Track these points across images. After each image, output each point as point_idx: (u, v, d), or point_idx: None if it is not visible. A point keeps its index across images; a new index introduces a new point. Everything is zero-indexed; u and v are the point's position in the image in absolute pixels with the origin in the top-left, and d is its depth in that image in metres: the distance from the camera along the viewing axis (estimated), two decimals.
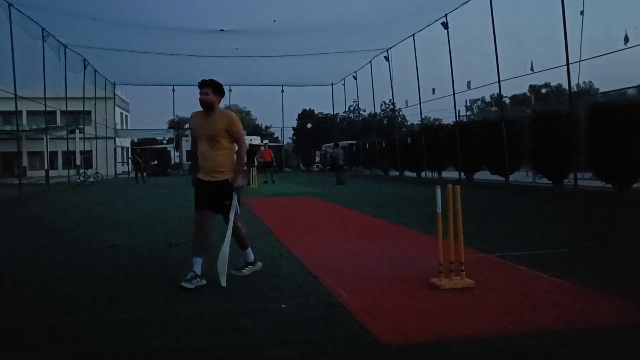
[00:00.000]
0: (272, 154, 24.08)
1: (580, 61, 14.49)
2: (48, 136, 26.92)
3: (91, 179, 28.99)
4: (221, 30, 20.88)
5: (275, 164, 26.42)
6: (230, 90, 36.06)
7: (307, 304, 3.72)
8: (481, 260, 5.03)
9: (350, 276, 4.50)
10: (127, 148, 46.99)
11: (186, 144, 45.10)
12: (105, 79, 31.66)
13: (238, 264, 4.78)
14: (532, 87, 53.66)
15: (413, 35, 22.97)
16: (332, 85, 36.81)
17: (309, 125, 47.12)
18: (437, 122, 32.31)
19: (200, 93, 4.32)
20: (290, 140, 56.33)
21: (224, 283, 4.20)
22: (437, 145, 22.39)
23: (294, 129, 51.41)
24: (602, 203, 10.91)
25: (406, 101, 27.12)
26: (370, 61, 28.97)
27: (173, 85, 35.18)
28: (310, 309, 3.59)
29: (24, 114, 39.27)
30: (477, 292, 3.90)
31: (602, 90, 20.33)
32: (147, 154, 35.15)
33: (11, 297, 4.13)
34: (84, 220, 9.36)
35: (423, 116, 25.66)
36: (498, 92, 18.37)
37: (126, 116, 52.66)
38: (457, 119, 21.91)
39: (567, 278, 4.25)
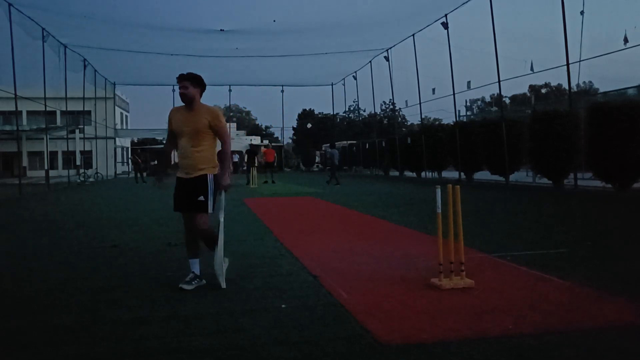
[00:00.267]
0: (274, 154, 24.11)
1: (580, 61, 14.51)
2: (48, 136, 26.92)
3: (91, 179, 29.00)
4: (221, 30, 20.88)
5: (276, 164, 26.46)
6: (230, 90, 36.13)
7: (307, 304, 3.72)
8: (481, 260, 5.03)
9: (350, 276, 4.50)
10: (127, 148, 47.00)
11: None
12: (105, 79, 31.65)
13: (233, 265, 4.78)
14: (532, 87, 53.71)
15: (413, 35, 22.97)
16: (332, 85, 36.81)
17: (309, 125, 47.12)
18: (437, 122, 32.34)
19: (180, 87, 4.19)
20: (290, 140, 56.37)
21: (223, 284, 4.20)
22: (437, 145, 22.40)
23: (294, 129, 51.45)
24: (602, 203, 10.91)
25: (406, 101, 27.16)
26: (370, 61, 28.98)
27: (173, 86, 35.05)
28: (310, 309, 3.59)
29: (24, 114, 39.29)
30: (477, 292, 3.90)
31: (602, 90, 20.38)
32: (146, 154, 35.15)
33: (11, 297, 4.13)
34: (84, 220, 9.36)
35: (423, 116, 25.68)
36: (498, 92, 18.38)
37: (126, 116, 52.68)
38: (457, 119, 21.92)
39: (567, 278, 4.25)
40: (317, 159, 44.57)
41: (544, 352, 2.75)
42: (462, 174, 20.37)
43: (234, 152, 26.83)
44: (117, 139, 39.29)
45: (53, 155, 38.92)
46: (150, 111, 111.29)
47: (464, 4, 18.37)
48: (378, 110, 39.24)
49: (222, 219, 4.31)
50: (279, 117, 63.51)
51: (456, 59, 20.32)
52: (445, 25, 19.89)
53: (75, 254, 5.89)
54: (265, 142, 51.83)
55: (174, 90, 35.62)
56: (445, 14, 19.58)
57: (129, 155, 38.83)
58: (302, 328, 3.19)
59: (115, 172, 36.25)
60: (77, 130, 33.92)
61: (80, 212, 11.05)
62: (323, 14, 19.31)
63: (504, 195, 13.41)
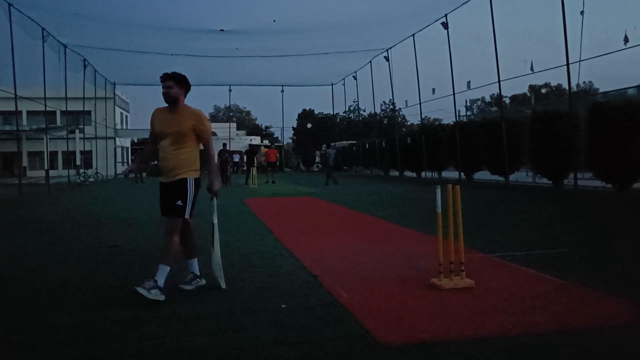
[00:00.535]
0: (277, 154, 24.15)
1: (580, 61, 14.51)
2: (48, 136, 26.93)
3: (91, 179, 28.99)
4: (221, 30, 20.87)
5: (278, 164, 26.50)
6: (230, 90, 36.11)
7: (307, 304, 3.72)
8: (481, 260, 5.03)
9: (350, 276, 4.50)
10: (127, 148, 47.01)
11: None
12: (105, 79, 31.64)
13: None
14: (532, 87, 53.74)
15: (413, 35, 22.97)
16: (332, 85, 36.80)
17: (309, 125, 47.12)
18: (437, 122, 32.36)
19: (163, 87, 4.03)
20: (290, 140, 56.38)
21: (223, 285, 4.19)
22: (437, 145, 22.40)
23: (294, 129, 51.45)
24: (602, 203, 10.91)
25: (406, 101, 27.18)
26: (370, 61, 28.97)
27: None
28: (310, 309, 3.59)
29: (24, 114, 39.30)
30: (477, 292, 3.90)
31: (602, 90, 20.39)
32: None
33: (11, 297, 4.13)
34: (84, 220, 9.36)
35: (423, 116, 25.68)
36: (498, 92, 18.39)
37: (126, 116, 52.68)
38: (457, 119, 21.92)
39: (567, 278, 4.25)
40: (317, 159, 44.60)
41: (544, 352, 2.75)
42: (462, 174, 20.37)
43: (234, 152, 26.88)
44: (117, 139, 39.30)
45: (53, 155, 38.93)
46: (150, 111, 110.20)
47: (464, 4, 18.36)
48: (378, 110, 39.30)
49: (215, 222, 4.27)
50: (279, 117, 63.65)
51: (456, 59, 20.35)
52: (445, 25, 19.88)
53: (75, 254, 5.89)
54: (266, 142, 51.90)
55: None
56: (445, 14, 19.58)
57: (132, 156, 38.80)
58: (302, 328, 3.19)
59: (115, 172, 36.24)
60: (77, 130, 33.93)
61: (80, 212, 11.05)
62: (323, 14, 19.31)
63: (504, 195, 13.40)
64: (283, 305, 3.67)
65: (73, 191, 19.46)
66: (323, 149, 42.53)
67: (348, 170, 36.98)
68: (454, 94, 20.71)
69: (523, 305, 3.55)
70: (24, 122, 38.13)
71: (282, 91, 37.34)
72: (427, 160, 23.40)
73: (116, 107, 41.54)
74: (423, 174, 25.05)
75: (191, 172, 4.06)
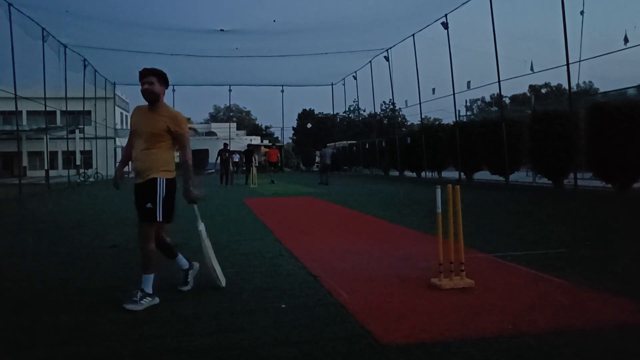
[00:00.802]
0: (278, 154, 24.21)
1: (580, 61, 14.50)
2: (48, 136, 26.94)
3: (91, 179, 29.00)
4: (221, 30, 20.88)
5: (280, 164, 26.56)
6: (230, 90, 36.10)
7: (307, 304, 3.72)
8: (481, 260, 5.03)
9: (350, 276, 4.50)
10: None
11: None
12: (105, 79, 31.64)
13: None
14: (532, 87, 53.73)
15: (413, 35, 22.97)
16: (332, 85, 36.80)
17: (309, 125, 47.13)
18: (437, 122, 32.35)
19: (144, 83, 3.81)
20: (290, 140, 56.38)
21: (223, 283, 4.18)
22: (437, 145, 22.40)
23: (294, 129, 51.44)
24: (602, 203, 10.91)
25: (406, 101, 27.17)
26: (370, 61, 28.98)
27: (173, 86, 35.11)
28: (310, 309, 3.59)
29: (24, 114, 39.29)
30: (477, 292, 3.90)
31: (602, 90, 20.38)
32: None
33: (11, 297, 4.13)
34: (84, 220, 9.36)
35: (423, 116, 25.68)
36: (498, 92, 18.38)
37: (126, 116, 52.64)
38: (457, 119, 21.92)
39: (567, 278, 4.25)
40: (317, 159, 44.61)
41: (544, 352, 2.75)
42: (462, 174, 20.37)
43: (234, 151, 26.86)
44: (117, 139, 39.26)
45: (53, 155, 38.94)
46: None
47: (464, 4, 18.36)
48: (378, 110, 39.29)
49: (201, 229, 4.16)
50: (279, 117, 63.63)
51: (456, 59, 20.35)
52: (445, 25, 19.88)
53: (75, 254, 5.89)
54: (266, 142, 51.90)
55: (174, 90, 35.63)
56: (445, 14, 19.58)
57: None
58: (302, 328, 3.19)
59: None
60: (77, 130, 33.93)
61: (80, 212, 11.05)
62: (323, 14, 19.31)
63: (504, 195, 13.40)
64: (283, 305, 3.67)
65: (73, 191, 19.47)
66: (326, 147, 42.58)
67: (348, 170, 36.99)
68: (454, 94, 20.71)
69: (523, 305, 3.55)
70: (24, 122, 38.13)
71: (282, 91, 37.35)
72: (427, 160, 23.40)
73: (116, 107, 41.53)
74: (423, 174, 25.05)
75: (163, 172, 3.81)
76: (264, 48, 23.76)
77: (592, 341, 2.89)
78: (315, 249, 5.82)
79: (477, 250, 5.46)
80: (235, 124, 56.78)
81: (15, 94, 16.97)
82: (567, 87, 15.37)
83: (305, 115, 52.27)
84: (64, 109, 23.65)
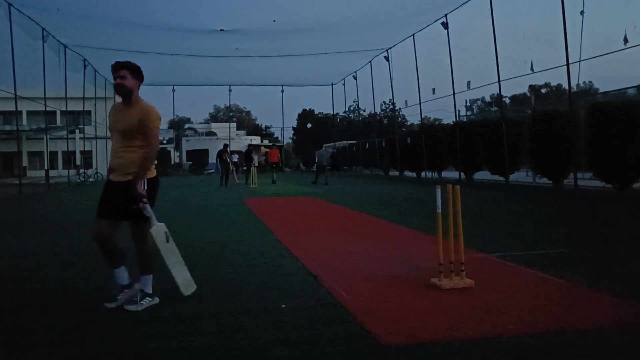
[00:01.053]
0: (278, 154, 24.25)
1: (580, 61, 14.51)
2: (48, 136, 26.94)
3: (91, 179, 29.00)
4: (221, 30, 20.88)
5: (280, 164, 26.61)
6: (230, 90, 36.11)
7: (307, 304, 3.72)
8: (481, 260, 5.03)
9: (350, 276, 4.50)
10: None
11: (186, 144, 45.28)
12: (105, 79, 31.64)
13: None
14: (532, 87, 53.74)
15: (413, 35, 22.97)
16: (332, 85, 36.81)
17: (309, 125, 47.13)
18: (437, 122, 32.32)
19: (116, 77, 3.71)
20: (290, 140, 56.37)
21: (186, 292, 3.79)
22: (437, 145, 22.39)
23: (294, 129, 51.43)
24: (602, 203, 10.91)
25: (406, 101, 27.16)
26: (370, 61, 28.97)
27: (173, 85, 35.20)
28: (310, 309, 3.59)
29: (24, 114, 39.29)
30: (477, 292, 3.90)
31: (602, 90, 20.39)
32: None
33: (11, 297, 4.13)
34: (84, 220, 9.35)
35: (423, 116, 25.68)
36: (498, 92, 18.39)
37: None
38: (457, 119, 21.92)
39: (567, 278, 4.25)
40: (317, 159, 44.59)
41: (544, 352, 2.75)
42: (462, 174, 20.37)
43: (233, 151, 26.86)
44: None
45: (53, 155, 38.93)
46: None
47: (464, 4, 18.36)
48: (378, 110, 39.24)
49: (154, 232, 3.70)
50: (279, 117, 63.61)
51: (456, 59, 20.34)
52: (445, 25, 19.88)
53: (75, 254, 5.88)
54: (266, 142, 51.90)
55: (174, 90, 35.75)
56: (445, 14, 19.57)
57: None
58: (302, 328, 3.19)
59: None
60: (77, 130, 33.93)
61: (80, 212, 11.04)
62: (323, 14, 19.31)
63: (504, 195, 13.41)
64: (283, 305, 3.67)
65: (73, 191, 19.46)
66: (323, 148, 42.59)
67: (348, 170, 36.99)
68: (454, 94, 20.71)
69: (523, 305, 3.55)
70: (24, 122, 38.12)
71: (282, 91, 37.38)
72: (427, 160, 23.40)
73: None
74: (423, 174, 25.05)
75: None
76: (264, 48, 23.76)
77: (592, 341, 2.89)
78: (315, 249, 5.82)
79: (477, 250, 5.46)
80: (235, 124, 56.74)
81: (15, 94, 16.97)
82: (567, 87, 15.38)
83: (305, 115, 52.25)
84: (64, 109, 23.66)
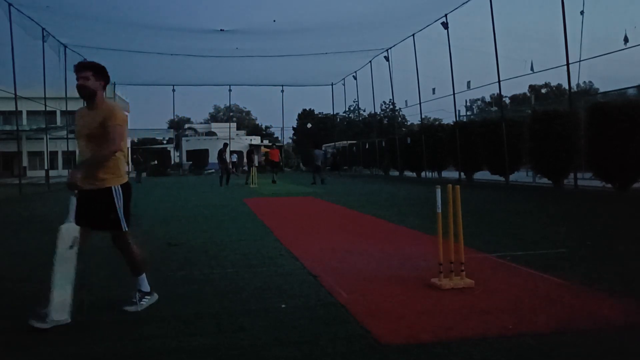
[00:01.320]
0: (279, 154, 24.27)
1: (580, 61, 14.51)
2: (48, 136, 26.93)
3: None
4: (221, 30, 20.88)
5: (281, 163, 26.60)
6: (230, 90, 36.11)
7: (307, 304, 3.72)
8: (481, 260, 5.03)
9: (350, 276, 4.49)
10: (127, 148, 47.01)
11: (186, 144, 45.29)
12: None
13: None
14: (532, 87, 53.74)
15: (413, 35, 22.97)
16: (332, 85, 36.80)
17: (309, 125, 47.12)
18: (437, 122, 32.31)
19: (78, 78, 3.53)
20: (290, 140, 56.37)
21: (56, 318, 3.33)
22: (437, 145, 22.40)
23: (294, 129, 51.42)
24: (602, 203, 10.91)
25: (406, 101, 27.17)
26: (370, 61, 28.97)
27: (173, 85, 35.20)
28: (310, 309, 3.59)
29: (24, 114, 39.30)
30: (477, 292, 3.90)
31: (602, 90, 20.37)
32: (146, 154, 35.19)
33: (11, 296, 4.13)
34: None
35: (423, 116, 25.69)
36: (498, 92, 18.39)
37: (126, 116, 52.67)
38: (457, 119, 21.92)
39: (567, 278, 4.25)
40: None
41: (544, 352, 2.75)
42: (462, 174, 20.37)
43: (233, 151, 26.87)
44: None
45: (53, 155, 38.94)
46: (150, 111, 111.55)
47: (464, 4, 18.36)
48: (378, 110, 39.22)
49: (63, 230, 3.49)
50: (279, 117, 63.60)
51: (456, 59, 20.34)
52: (445, 25, 19.88)
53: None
54: (266, 142, 51.89)
55: (174, 90, 35.74)
56: (445, 14, 19.58)
57: (132, 155, 38.83)
58: (302, 328, 3.19)
59: None
60: None
61: None
62: (323, 14, 19.31)
63: (504, 195, 13.41)
64: (283, 305, 3.67)
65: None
66: (323, 149, 42.60)
67: (348, 170, 36.99)
68: (454, 94, 20.71)
69: (523, 305, 3.55)
70: (24, 122, 38.14)
71: (282, 91, 37.37)
72: (427, 160, 23.40)
73: None
74: (423, 174, 25.05)
75: (115, 178, 3.58)
76: (264, 48, 23.77)
77: (592, 341, 2.89)
78: (315, 249, 5.82)
79: (477, 250, 5.46)
80: (235, 124, 56.74)
81: (15, 94, 16.97)
82: (567, 87, 15.38)
83: (305, 115, 52.24)
84: (64, 109, 23.65)
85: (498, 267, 4.77)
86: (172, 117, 45.14)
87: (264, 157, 23.02)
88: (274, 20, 19.67)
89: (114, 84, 35.32)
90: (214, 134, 50.33)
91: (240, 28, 20.84)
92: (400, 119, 40.80)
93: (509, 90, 41.85)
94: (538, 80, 51.80)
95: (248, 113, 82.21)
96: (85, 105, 3.70)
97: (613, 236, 6.54)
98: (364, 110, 43.49)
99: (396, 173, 27.90)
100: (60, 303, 3.35)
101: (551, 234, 6.66)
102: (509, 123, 17.27)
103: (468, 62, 23.60)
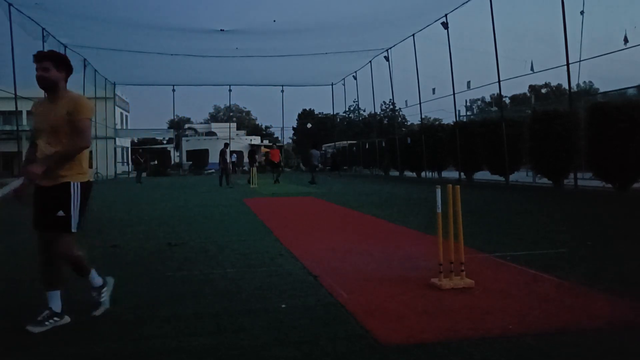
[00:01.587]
0: (279, 154, 24.28)
1: (580, 61, 14.51)
2: None
3: (91, 179, 28.98)
4: (221, 30, 20.88)
5: (282, 164, 26.61)
6: (230, 90, 36.10)
7: (307, 304, 3.72)
8: (481, 260, 5.03)
9: (350, 276, 4.49)
10: (127, 148, 47.01)
11: (186, 144, 45.28)
12: (105, 79, 31.66)
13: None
14: (532, 87, 53.77)
15: (413, 35, 22.97)
16: (332, 85, 36.80)
17: (309, 125, 47.12)
18: (437, 122, 32.31)
19: (38, 69, 3.29)
20: (290, 140, 56.37)
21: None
22: (437, 145, 22.41)
23: (294, 129, 51.43)
24: (602, 203, 10.90)
25: (406, 101, 27.17)
26: (370, 61, 28.98)
27: (173, 85, 35.20)
28: (310, 309, 3.59)
29: (24, 114, 39.24)
30: (477, 292, 3.90)
31: (602, 90, 20.36)
32: (147, 154, 35.19)
33: (11, 297, 4.13)
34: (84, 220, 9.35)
35: (423, 116, 25.68)
36: (498, 92, 18.39)
37: (126, 116, 52.60)
38: (457, 119, 21.92)
39: (567, 278, 4.25)
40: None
41: (544, 352, 2.75)
42: (462, 174, 20.37)
43: (233, 151, 26.84)
44: (117, 139, 39.27)
45: None
46: (150, 111, 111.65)
47: (464, 4, 18.37)
48: (378, 110, 39.20)
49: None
50: (279, 117, 63.58)
51: (456, 59, 20.35)
52: (445, 25, 19.89)
53: None
54: (266, 141, 51.89)
55: (174, 90, 35.74)
56: (445, 14, 19.58)
57: (132, 155, 38.83)
58: (302, 328, 3.19)
59: (116, 172, 36.26)
60: None
61: None
62: (323, 14, 19.31)
63: (504, 195, 13.40)
64: (283, 305, 3.67)
65: None
66: (323, 148, 42.59)
67: (348, 170, 37.00)
68: (454, 94, 20.71)
69: (523, 305, 3.55)
70: (24, 122, 38.08)
71: (282, 91, 37.37)
72: (427, 160, 23.41)
73: (116, 107, 41.48)
74: (423, 174, 25.06)
75: (77, 175, 3.33)
76: (264, 48, 23.77)
77: (592, 341, 2.89)
78: (315, 249, 5.82)
79: (477, 250, 5.46)
80: (235, 124, 56.73)
81: (15, 94, 16.97)
82: (567, 87, 15.38)
83: (305, 115, 52.26)
84: None
85: (498, 267, 4.77)
86: (172, 117, 45.14)
87: (264, 157, 22.98)
88: (274, 20, 19.68)
89: (114, 84, 35.39)
90: (214, 134, 50.31)
91: (240, 28, 20.84)
92: (400, 119, 40.78)
93: (509, 90, 41.87)
94: (538, 80, 51.82)
95: (248, 113, 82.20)
96: (45, 97, 3.44)
97: (613, 236, 6.54)
98: (364, 110, 43.52)
99: (396, 173, 27.90)
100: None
101: (551, 234, 6.66)
102: (509, 123, 17.28)
103: (468, 62, 23.68)
